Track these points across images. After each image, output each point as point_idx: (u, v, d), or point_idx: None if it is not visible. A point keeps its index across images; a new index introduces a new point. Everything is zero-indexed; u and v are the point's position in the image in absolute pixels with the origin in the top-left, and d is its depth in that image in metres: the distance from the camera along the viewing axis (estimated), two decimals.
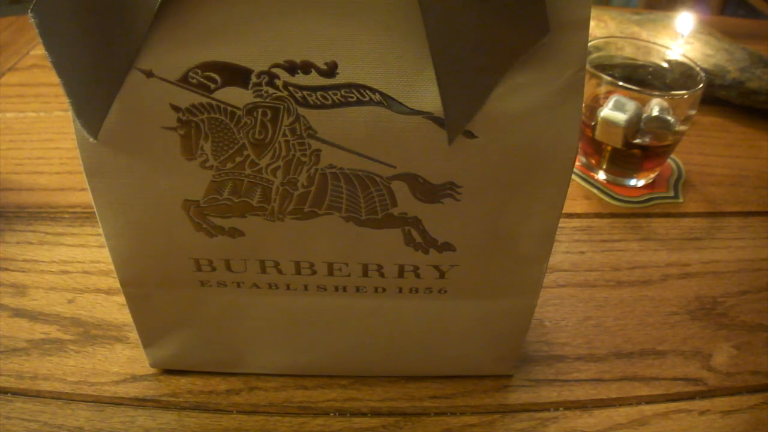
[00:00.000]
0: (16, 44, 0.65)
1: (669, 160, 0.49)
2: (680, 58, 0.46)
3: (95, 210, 0.25)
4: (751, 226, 0.44)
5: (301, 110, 0.22)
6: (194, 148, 0.23)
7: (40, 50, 0.64)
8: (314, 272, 0.27)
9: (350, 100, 0.21)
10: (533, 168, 0.23)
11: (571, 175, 0.24)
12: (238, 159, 0.23)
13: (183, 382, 0.31)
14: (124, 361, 0.32)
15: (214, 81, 0.21)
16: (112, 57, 0.21)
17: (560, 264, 0.39)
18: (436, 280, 0.27)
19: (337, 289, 0.27)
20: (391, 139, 0.22)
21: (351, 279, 0.27)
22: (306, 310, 0.29)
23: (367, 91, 0.21)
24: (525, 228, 0.25)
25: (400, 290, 0.27)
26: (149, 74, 0.21)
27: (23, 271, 0.37)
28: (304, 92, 0.21)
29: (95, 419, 0.29)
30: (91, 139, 0.22)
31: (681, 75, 0.46)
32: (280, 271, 0.27)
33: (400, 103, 0.21)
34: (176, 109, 0.22)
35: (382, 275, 0.27)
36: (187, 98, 0.22)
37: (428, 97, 0.21)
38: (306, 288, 0.27)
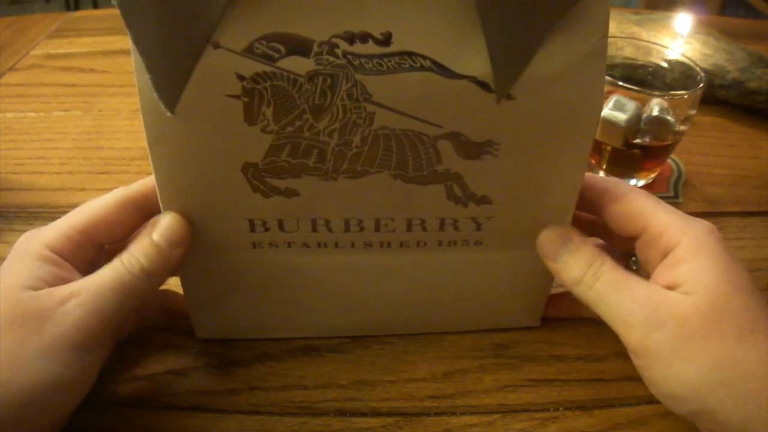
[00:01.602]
0: (16, 44, 0.65)
1: (669, 160, 0.49)
2: (680, 58, 0.46)
3: (154, 177, 0.26)
4: (751, 226, 0.44)
5: (359, 76, 0.24)
6: (256, 114, 0.24)
7: (40, 50, 0.65)
8: (362, 229, 0.29)
9: (403, 66, 0.24)
10: (563, 125, 0.26)
11: (596, 130, 0.26)
12: (298, 123, 0.25)
13: (183, 382, 0.31)
14: (124, 361, 0.32)
15: (278, 51, 0.23)
16: (190, 33, 0.22)
17: None
18: (473, 232, 0.30)
19: (382, 245, 0.30)
20: (439, 101, 0.25)
21: (396, 234, 0.29)
22: (352, 268, 0.31)
23: (419, 58, 0.24)
24: (555, 181, 0.28)
25: (440, 243, 0.30)
26: (216, 45, 0.23)
27: None
28: (362, 59, 0.23)
29: (95, 419, 0.29)
30: (167, 114, 0.24)
31: (681, 75, 0.46)
32: (330, 229, 0.29)
33: (448, 68, 0.24)
34: (241, 78, 0.23)
35: (424, 229, 0.29)
36: (252, 67, 0.23)
37: (473, 62, 0.24)
38: (353, 245, 0.30)
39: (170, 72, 0.23)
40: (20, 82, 0.58)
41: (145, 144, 0.25)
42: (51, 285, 0.25)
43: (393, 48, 0.23)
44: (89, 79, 0.59)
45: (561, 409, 0.31)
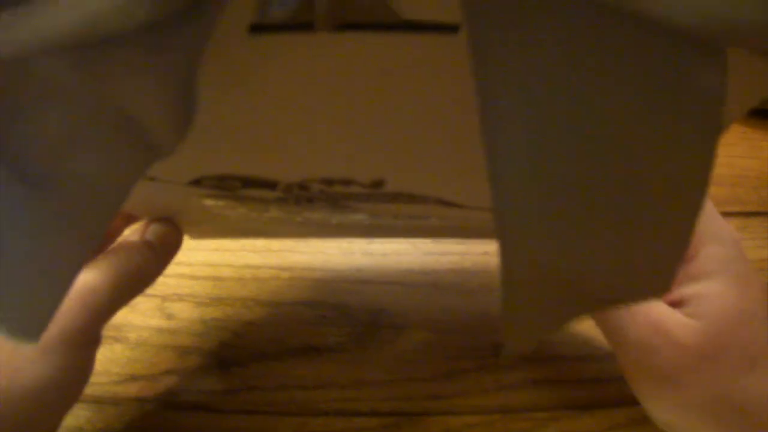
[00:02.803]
0: None
1: None
2: None
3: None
4: (751, 226, 0.44)
5: (342, 201, 0.20)
6: (221, 205, 0.22)
7: None
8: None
9: (400, 200, 0.19)
10: None
11: None
12: (266, 214, 0.23)
13: (183, 382, 0.31)
14: (124, 361, 0.32)
15: (233, 185, 0.19)
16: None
17: None
18: None
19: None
20: (445, 218, 0.22)
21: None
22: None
23: (420, 197, 0.19)
24: None
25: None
26: (152, 179, 0.19)
27: None
28: (344, 194, 0.19)
29: (95, 419, 0.29)
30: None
31: None
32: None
33: (458, 204, 0.20)
34: (197, 195, 0.20)
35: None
36: (206, 192, 0.20)
37: (489, 198, 0.19)
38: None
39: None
40: None
41: None
42: None
43: (386, 190, 0.18)
44: None
45: (561, 409, 0.31)
